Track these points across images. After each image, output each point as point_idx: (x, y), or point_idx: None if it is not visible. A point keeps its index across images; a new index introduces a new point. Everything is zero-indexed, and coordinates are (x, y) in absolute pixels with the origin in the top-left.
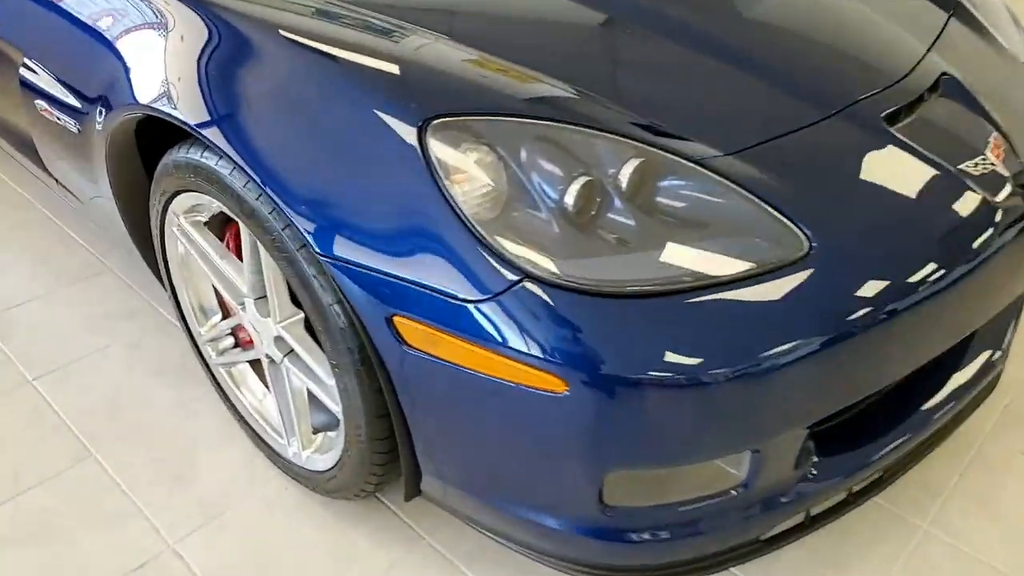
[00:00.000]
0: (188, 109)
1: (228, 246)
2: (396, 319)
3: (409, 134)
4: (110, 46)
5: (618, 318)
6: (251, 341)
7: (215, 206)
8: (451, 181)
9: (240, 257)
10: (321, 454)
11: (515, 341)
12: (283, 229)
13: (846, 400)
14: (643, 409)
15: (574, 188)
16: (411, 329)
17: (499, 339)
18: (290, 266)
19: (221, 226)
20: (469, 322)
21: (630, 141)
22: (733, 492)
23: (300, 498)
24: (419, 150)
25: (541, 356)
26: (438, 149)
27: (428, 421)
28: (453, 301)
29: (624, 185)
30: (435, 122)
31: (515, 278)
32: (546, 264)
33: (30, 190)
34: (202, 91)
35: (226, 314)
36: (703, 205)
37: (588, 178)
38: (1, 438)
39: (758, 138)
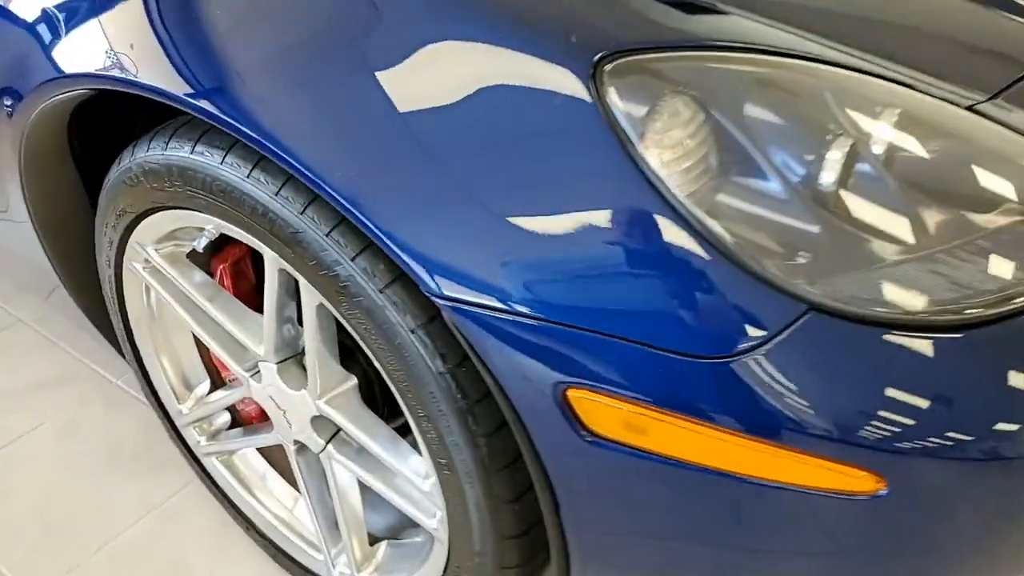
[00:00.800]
0: (158, 70)
1: (222, 285)
2: (571, 393)
3: (574, 84)
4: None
5: (954, 365)
6: (259, 417)
7: (211, 228)
8: (650, 154)
9: (249, 302)
10: None
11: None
12: (354, 259)
13: None
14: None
15: (834, 156)
16: (597, 408)
17: (772, 420)
18: (367, 317)
19: (208, 257)
20: (708, 392)
21: (883, 82)
22: None
23: None
24: (596, 106)
25: (850, 442)
26: (622, 104)
27: (611, 545)
28: (678, 358)
29: (883, 148)
30: (611, 64)
31: (795, 311)
32: (828, 283)
33: None
34: (178, 37)
35: (217, 382)
36: (987, 176)
37: (849, 140)
38: None
39: (1013, 73)
